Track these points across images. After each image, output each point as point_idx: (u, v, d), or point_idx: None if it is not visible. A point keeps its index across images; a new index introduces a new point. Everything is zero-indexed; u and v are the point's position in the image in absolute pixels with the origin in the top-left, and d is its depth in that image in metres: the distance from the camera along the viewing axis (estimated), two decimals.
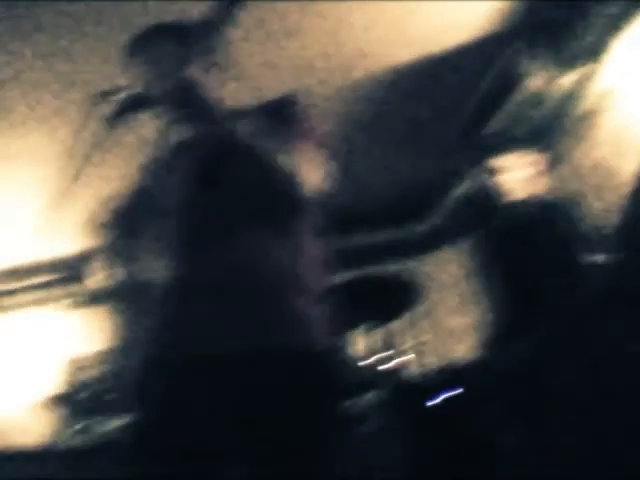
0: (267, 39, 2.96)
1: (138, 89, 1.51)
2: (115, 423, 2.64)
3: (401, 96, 3.50)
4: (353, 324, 2.87)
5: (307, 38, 3.01)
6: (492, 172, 2.72)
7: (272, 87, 3.05)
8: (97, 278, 1.60)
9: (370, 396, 2.54)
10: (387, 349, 2.98)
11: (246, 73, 2.99)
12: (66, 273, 4.46)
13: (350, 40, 3.07)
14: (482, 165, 2.86)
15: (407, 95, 3.49)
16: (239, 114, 1.49)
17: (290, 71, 3.19)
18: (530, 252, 2.51)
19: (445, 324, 4.57)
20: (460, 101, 3.60)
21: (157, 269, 1.39)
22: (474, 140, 3.62)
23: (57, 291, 4.75)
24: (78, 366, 4.12)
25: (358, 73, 3.33)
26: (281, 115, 1.52)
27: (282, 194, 1.41)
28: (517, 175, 2.67)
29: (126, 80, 1.56)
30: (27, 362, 4.69)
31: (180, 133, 1.57)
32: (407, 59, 3.24)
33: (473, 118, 3.65)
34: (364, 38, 3.06)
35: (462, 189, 4.26)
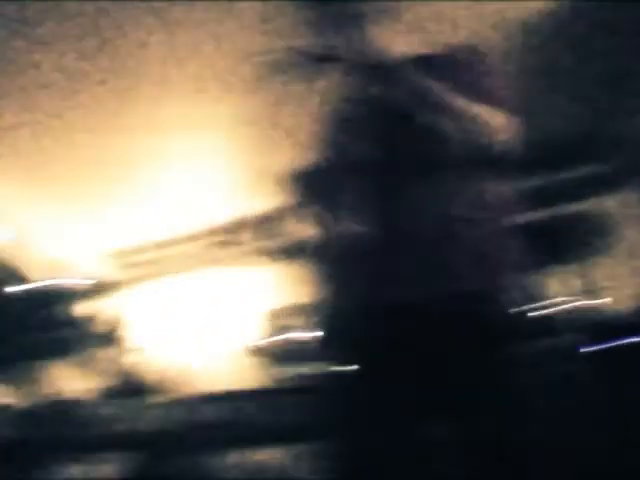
0: None
1: (315, 44, 1.52)
2: (314, 369, 2.78)
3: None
4: (542, 265, 2.81)
5: None
6: None
7: (448, 37, 3.08)
8: (293, 233, 1.68)
9: (559, 339, 2.49)
10: (577, 291, 2.90)
11: (420, 24, 2.96)
12: (263, 229, 4.70)
13: None
14: None
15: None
16: (416, 65, 1.45)
17: (466, 20, 3.06)
18: None
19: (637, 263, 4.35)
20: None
21: (346, 223, 1.41)
22: None
23: (256, 245, 4.97)
24: (277, 317, 4.36)
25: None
26: (461, 66, 1.48)
27: (466, 143, 1.39)
28: None
29: (302, 35, 1.59)
30: (229, 313, 5.03)
31: (359, 88, 1.59)
32: None
33: None
34: None
35: None
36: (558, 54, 3.50)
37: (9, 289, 4.50)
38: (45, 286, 4.59)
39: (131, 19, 3.05)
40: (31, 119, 3.73)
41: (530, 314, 1.38)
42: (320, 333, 1.47)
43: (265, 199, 3.98)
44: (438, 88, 1.36)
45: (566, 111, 3.98)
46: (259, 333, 4.75)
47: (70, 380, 2.98)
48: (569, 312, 2.79)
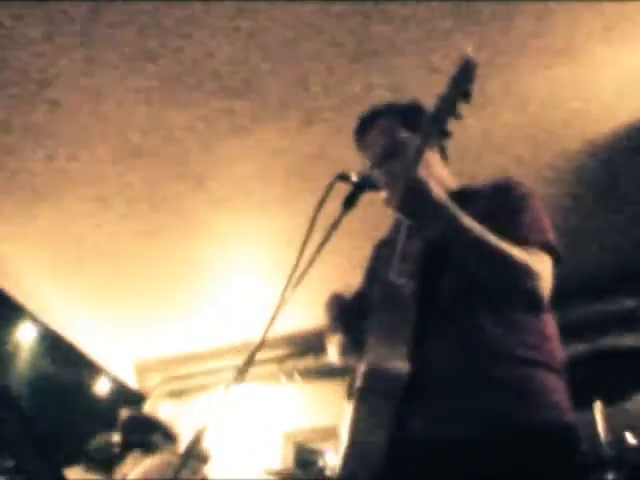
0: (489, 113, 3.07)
1: (369, 172, 1.59)
2: None
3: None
4: (586, 400, 2.72)
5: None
6: None
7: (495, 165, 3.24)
8: (330, 354, 1.69)
9: (613, 476, 2.35)
10: (628, 426, 2.77)
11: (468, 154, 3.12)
12: (299, 348, 4.70)
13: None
14: None
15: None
16: (463, 198, 1.49)
17: (511, 144, 3.26)
18: None
19: None
20: None
21: (389, 363, 1.39)
22: None
23: (289, 365, 4.99)
24: (306, 437, 4.27)
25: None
26: (506, 199, 1.53)
27: (509, 288, 1.40)
28: None
29: (360, 162, 1.68)
30: (258, 432, 4.95)
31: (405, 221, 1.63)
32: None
33: None
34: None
35: None
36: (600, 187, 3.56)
37: None
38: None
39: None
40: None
41: (582, 449, 1.32)
42: (348, 469, 1.42)
43: (305, 320, 4.04)
44: (480, 229, 1.35)
45: (608, 244, 4.00)
46: (284, 454, 4.64)
47: None
48: (618, 448, 2.65)
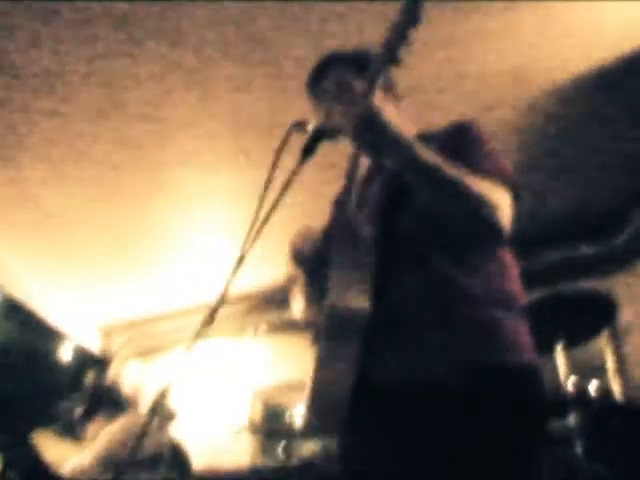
0: (444, 61, 3.03)
1: (325, 120, 1.56)
2: (312, 447, 2.74)
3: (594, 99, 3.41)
4: (548, 343, 2.78)
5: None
6: None
7: (451, 109, 3.20)
8: (294, 309, 1.68)
9: (571, 418, 2.43)
10: (582, 369, 2.86)
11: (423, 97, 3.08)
12: (264, 302, 4.70)
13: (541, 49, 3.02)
14: None
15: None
16: (423, 139, 1.45)
17: (469, 92, 3.23)
18: None
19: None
20: None
21: (349, 302, 1.38)
22: None
23: (253, 320, 4.98)
24: (274, 392, 4.31)
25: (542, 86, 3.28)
26: (461, 140, 1.51)
27: (466, 219, 1.38)
28: None
29: (313, 111, 1.65)
30: (225, 388, 4.98)
31: (364, 163, 1.60)
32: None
33: None
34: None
35: None
36: (563, 135, 3.58)
37: None
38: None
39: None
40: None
41: (541, 390, 1.34)
42: (315, 412, 1.43)
43: (268, 275, 4.04)
44: (439, 159, 1.34)
45: (571, 190, 4.05)
46: (252, 410, 4.69)
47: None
48: (574, 390, 2.73)
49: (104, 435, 2.87)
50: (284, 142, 1.43)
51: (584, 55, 3.07)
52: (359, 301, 1.36)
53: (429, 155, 1.33)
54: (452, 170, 1.33)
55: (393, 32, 1.37)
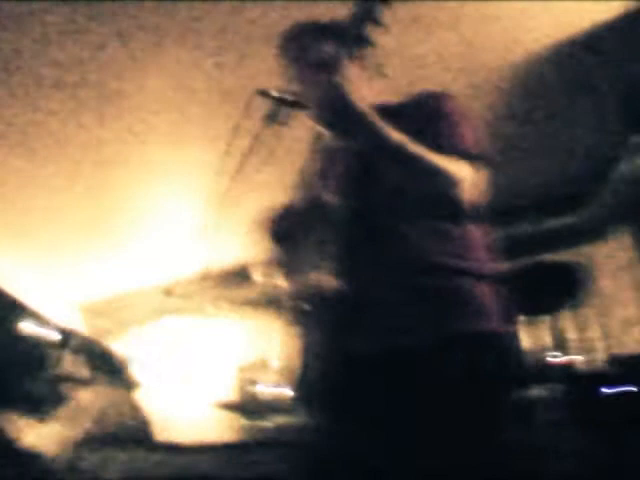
0: (413, 35, 3.01)
1: (291, 88, 1.56)
2: (284, 422, 2.77)
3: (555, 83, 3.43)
4: (522, 313, 2.81)
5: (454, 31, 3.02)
6: None
7: (420, 84, 3.15)
8: (263, 284, 1.68)
9: (540, 388, 2.47)
10: (555, 340, 2.90)
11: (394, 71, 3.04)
12: (233, 278, 4.68)
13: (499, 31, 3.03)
14: None
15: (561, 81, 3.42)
16: (387, 113, 1.45)
17: (438, 67, 3.21)
18: None
19: (616, 314, 4.38)
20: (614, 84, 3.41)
21: (320, 273, 1.41)
22: (631, 122, 3.45)
23: (225, 295, 4.97)
24: (248, 368, 4.34)
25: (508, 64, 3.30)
26: (430, 112, 1.52)
27: (437, 193, 1.41)
28: None
29: (283, 79, 1.62)
30: (200, 365, 4.98)
31: (327, 138, 1.61)
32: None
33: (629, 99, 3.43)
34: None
35: (623, 172, 4.08)
36: (536, 103, 3.60)
37: None
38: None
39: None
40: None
41: (514, 359, 1.36)
42: (290, 386, 1.45)
43: (236, 250, 4.02)
44: (404, 136, 1.36)
45: (541, 162, 4.09)
46: (228, 386, 4.72)
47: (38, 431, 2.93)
48: (544, 361, 2.78)
49: (75, 405, 2.86)
50: (247, 108, 1.42)
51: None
52: (330, 276, 1.39)
53: (392, 134, 1.34)
54: (414, 148, 1.35)
55: (359, 7, 1.35)
